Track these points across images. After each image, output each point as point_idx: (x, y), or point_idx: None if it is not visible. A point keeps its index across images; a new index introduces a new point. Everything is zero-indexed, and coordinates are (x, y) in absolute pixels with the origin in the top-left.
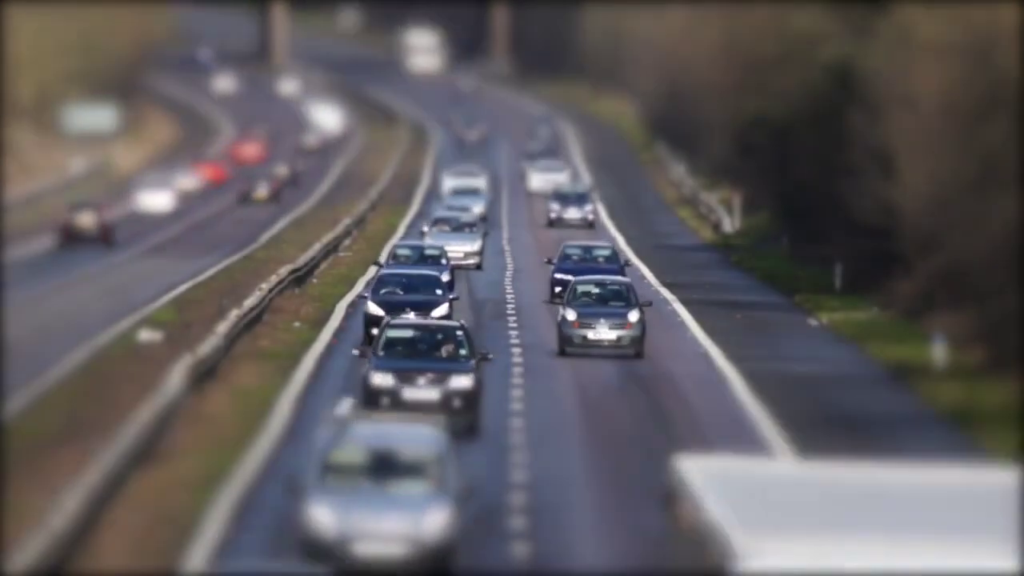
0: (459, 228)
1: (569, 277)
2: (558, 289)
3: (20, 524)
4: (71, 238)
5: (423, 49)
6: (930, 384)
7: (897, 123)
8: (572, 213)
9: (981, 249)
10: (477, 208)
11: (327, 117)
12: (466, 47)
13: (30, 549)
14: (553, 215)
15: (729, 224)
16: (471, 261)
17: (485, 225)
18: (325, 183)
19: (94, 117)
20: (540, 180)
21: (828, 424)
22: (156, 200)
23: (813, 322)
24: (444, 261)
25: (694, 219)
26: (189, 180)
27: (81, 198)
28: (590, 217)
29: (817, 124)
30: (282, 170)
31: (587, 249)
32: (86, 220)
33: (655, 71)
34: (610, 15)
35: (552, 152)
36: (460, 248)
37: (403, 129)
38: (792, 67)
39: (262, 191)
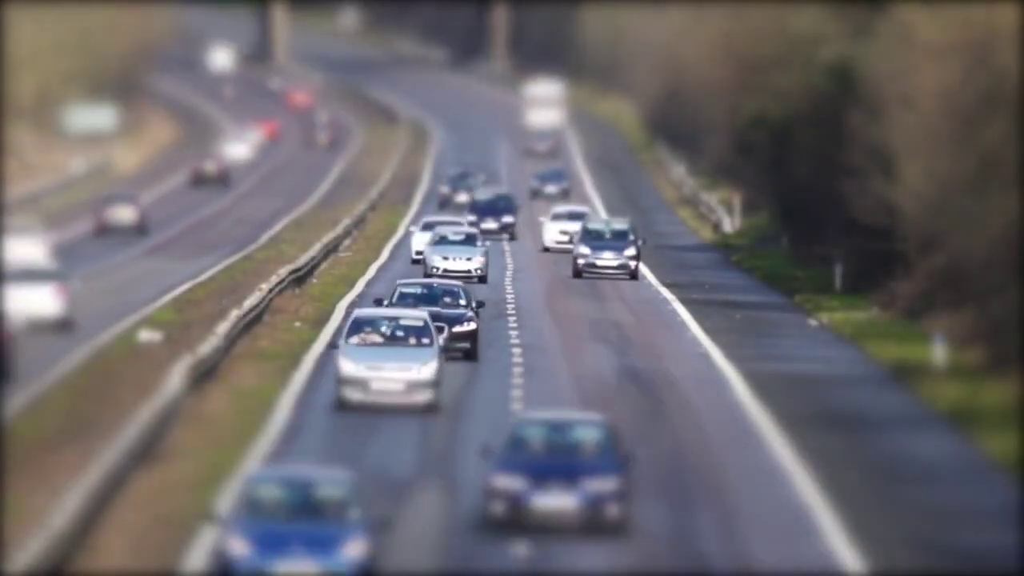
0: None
1: None
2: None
3: (20, 524)
4: (106, 230)
5: (545, 101)
6: (930, 384)
7: (897, 123)
8: (608, 258)
9: (981, 249)
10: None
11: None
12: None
13: (30, 549)
14: (582, 261)
15: (729, 224)
16: (474, 275)
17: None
18: (325, 183)
19: (94, 117)
20: (557, 233)
21: (828, 424)
22: (237, 150)
23: (813, 322)
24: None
25: (694, 219)
26: (256, 135)
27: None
28: (632, 264)
29: (817, 124)
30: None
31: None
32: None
33: (655, 71)
34: (610, 15)
35: (560, 175)
36: (461, 265)
37: (403, 129)
38: (792, 67)
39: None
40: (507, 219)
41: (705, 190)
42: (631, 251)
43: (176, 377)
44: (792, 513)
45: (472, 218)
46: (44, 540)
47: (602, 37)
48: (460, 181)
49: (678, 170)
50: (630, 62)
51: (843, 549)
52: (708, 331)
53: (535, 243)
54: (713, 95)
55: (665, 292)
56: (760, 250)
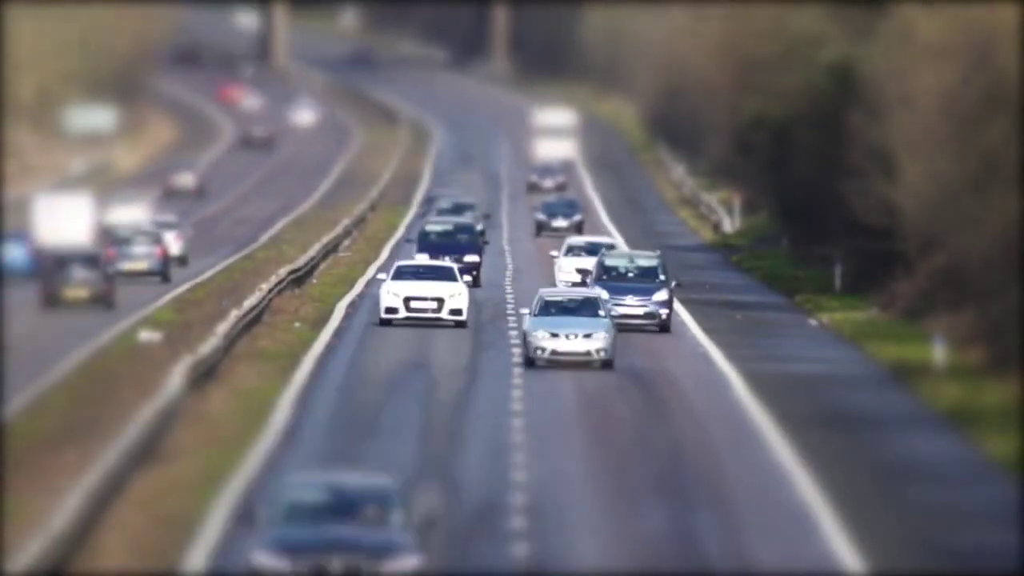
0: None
1: None
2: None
3: (20, 524)
4: (171, 194)
5: (555, 131)
6: (930, 384)
7: (897, 123)
8: (631, 305)
9: (981, 249)
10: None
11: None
12: (465, 48)
13: (30, 549)
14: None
15: (729, 224)
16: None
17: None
18: (325, 183)
19: (94, 117)
20: (573, 272)
21: (828, 424)
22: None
23: (813, 322)
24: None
25: (694, 219)
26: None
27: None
28: (663, 312)
29: (817, 124)
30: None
31: None
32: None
33: (655, 71)
34: (610, 15)
35: (572, 205)
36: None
37: (404, 129)
38: (792, 67)
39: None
40: (471, 258)
41: (705, 190)
42: (661, 295)
43: (176, 377)
44: (792, 513)
45: (423, 257)
46: (44, 540)
47: (602, 37)
48: (428, 205)
49: (678, 170)
50: (630, 62)
51: (843, 549)
52: (708, 331)
53: (535, 243)
54: (713, 95)
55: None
56: (760, 250)
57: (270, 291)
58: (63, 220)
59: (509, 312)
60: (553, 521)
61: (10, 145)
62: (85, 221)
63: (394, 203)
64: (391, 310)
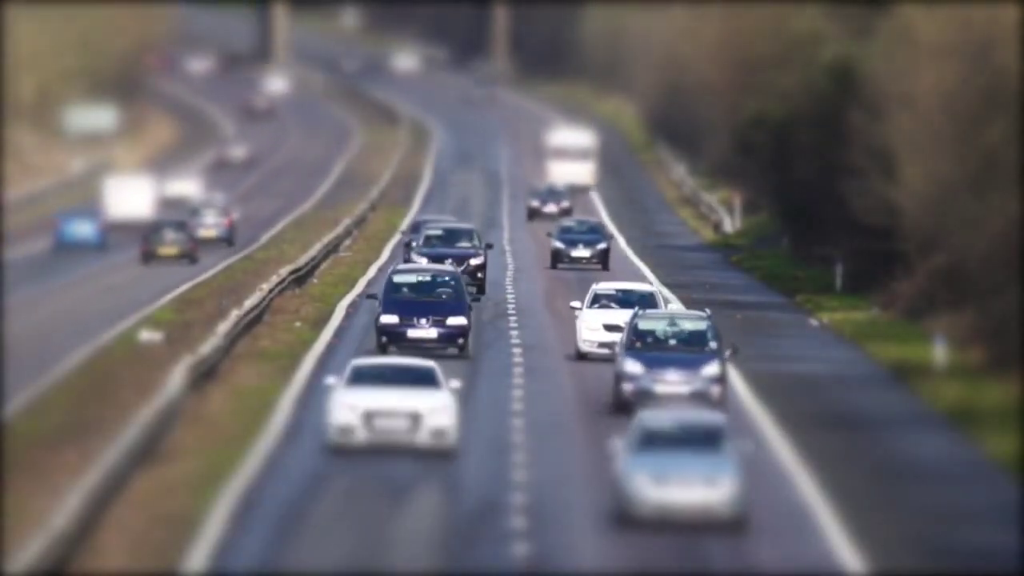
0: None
1: None
2: None
3: (21, 524)
4: (224, 165)
5: (572, 153)
6: (930, 384)
7: (897, 123)
8: (674, 383)
9: (981, 249)
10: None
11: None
12: (466, 48)
13: (31, 549)
14: (630, 387)
15: (730, 224)
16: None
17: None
18: (326, 183)
19: (94, 117)
20: (600, 330)
21: (828, 424)
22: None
23: (813, 322)
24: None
25: (695, 219)
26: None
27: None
28: (715, 390)
29: (817, 124)
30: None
31: None
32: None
33: (655, 71)
34: (610, 15)
35: (596, 231)
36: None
37: (404, 129)
38: (792, 67)
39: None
40: (455, 320)
41: (705, 190)
42: (712, 368)
43: (176, 377)
44: (792, 513)
45: (391, 320)
46: (44, 540)
47: (602, 37)
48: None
49: (678, 170)
50: (630, 62)
51: (844, 549)
52: None
53: (534, 242)
54: (713, 95)
55: (666, 292)
56: (760, 250)
57: (271, 291)
58: (129, 197)
59: (510, 312)
60: (553, 521)
61: (10, 145)
62: (147, 197)
63: (394, 203)
64: (345, 431)
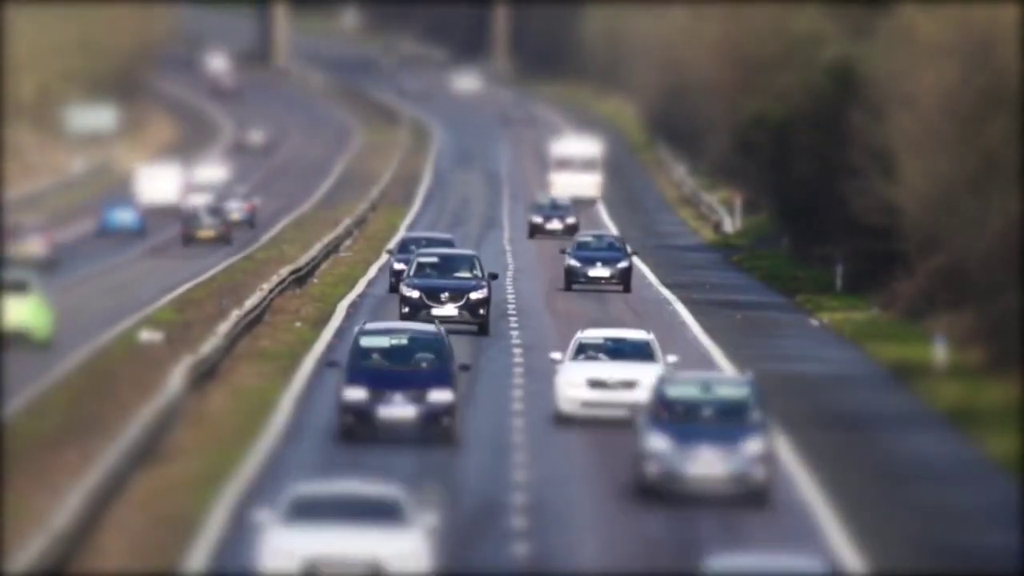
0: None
1: None
2: None
3: (21, 524)
4: (242, 150)
5: (578, 163)
6: (930, 384)
7: (897, 123)
8: (710, 462)
9: (981, 249)
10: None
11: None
12: (466, 48)
13: (31, 549)
14: (656, 469)
15: (730, 224)
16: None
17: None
18: (326, 183)
19: (94, 117)
20: (584, 388)
21: (828, 424)
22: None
23: (814, 322)
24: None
25: (695, 219)
26: None
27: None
28: (759, 473)
29: (818, 124)
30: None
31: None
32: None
33: (655, 71)
34: (610, 15)
35: (615, 248)
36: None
37: (404, 129)
38: (792, 67)
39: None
40: (439, 395)
41: (706, 190)
42: (755, 445)
43: (177, 377)
44: (792, 513)
45: (357, 395)
46: (45, 540)
47: (602, 37)
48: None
49: (679, 170)
50: (630, 62)
51: (843, 549)
52: (709, 331)
53: (535, 241)
54: (713, 95)
55: (666, 292)
56: (761, 250)
57: (271, 291)
58: (159, 184)
59: (510, 312)
60: (553, 521)
61: (10, 145)
62: (175, 184)
63: (394, 203)
64: None
